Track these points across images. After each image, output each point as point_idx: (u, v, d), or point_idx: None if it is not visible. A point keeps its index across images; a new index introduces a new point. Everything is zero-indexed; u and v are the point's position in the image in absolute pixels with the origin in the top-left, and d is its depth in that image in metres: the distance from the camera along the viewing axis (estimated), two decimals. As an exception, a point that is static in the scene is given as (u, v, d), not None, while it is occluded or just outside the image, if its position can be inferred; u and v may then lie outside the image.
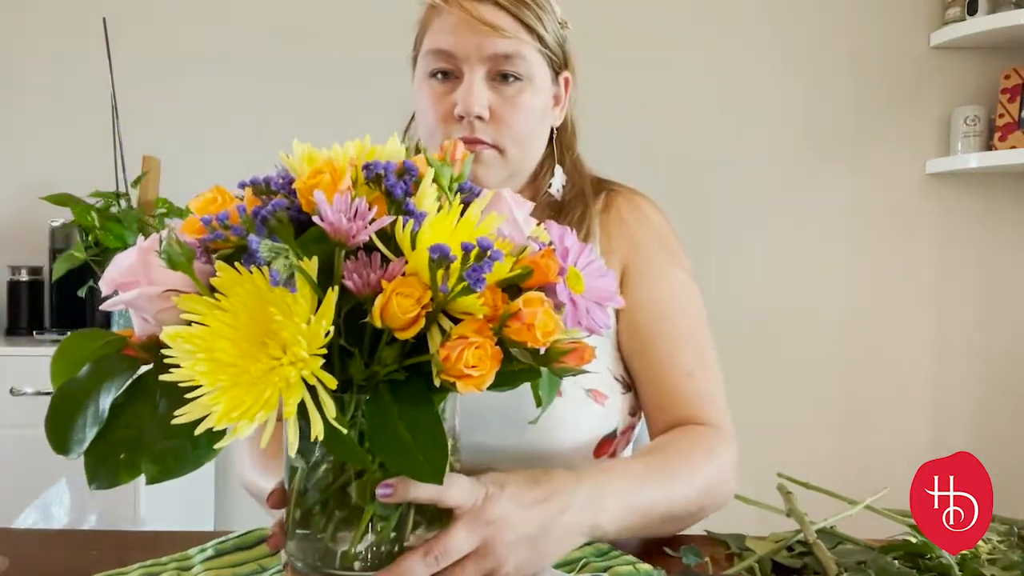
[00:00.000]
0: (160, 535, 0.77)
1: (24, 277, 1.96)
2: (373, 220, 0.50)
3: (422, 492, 0.54)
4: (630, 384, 0.90)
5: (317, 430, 0.47)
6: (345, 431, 0.49)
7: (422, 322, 0.49)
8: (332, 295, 0.48)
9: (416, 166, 0.53)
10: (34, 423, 1.87)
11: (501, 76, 0.87)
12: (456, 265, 0.48)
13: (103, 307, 0.57)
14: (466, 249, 0.48)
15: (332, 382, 0.47)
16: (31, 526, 0.99)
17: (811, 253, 2.18)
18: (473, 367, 0.49)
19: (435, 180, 0.55)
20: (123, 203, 1.82)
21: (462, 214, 0.53)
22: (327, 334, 0.47)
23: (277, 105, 2.11)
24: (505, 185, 0.89)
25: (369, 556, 0.55)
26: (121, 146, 1.86)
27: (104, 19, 1.86)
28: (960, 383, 2.19)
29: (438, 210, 0.53)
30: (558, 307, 0.52)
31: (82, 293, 1.71)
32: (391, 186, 0.51)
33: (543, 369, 0.54)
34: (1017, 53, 2.08)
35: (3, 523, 0.89)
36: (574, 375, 0.54)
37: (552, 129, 0.95)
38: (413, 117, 0.99)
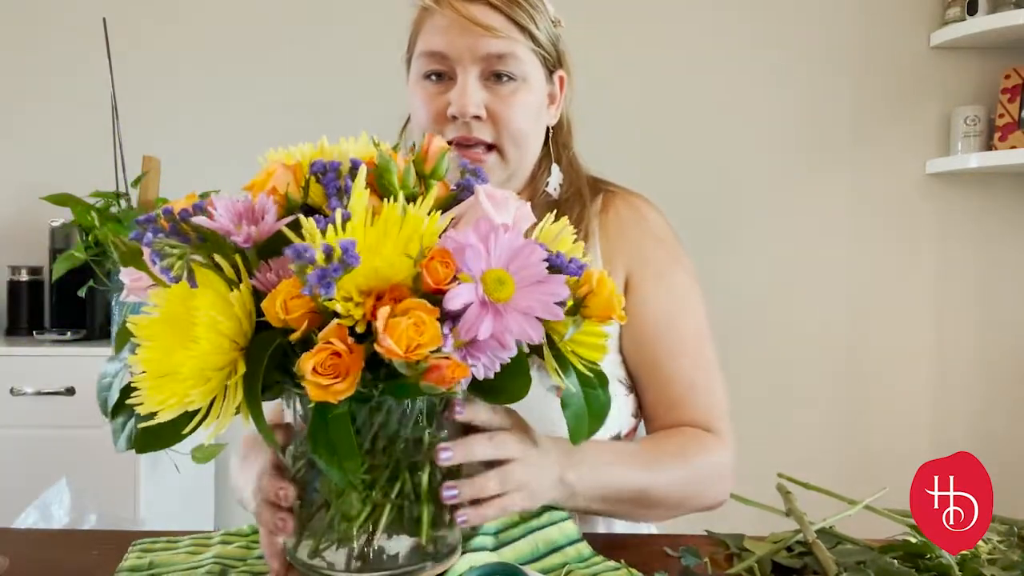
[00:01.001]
0: (160, 535, 0.77)
1: (24, 277, 1.96)
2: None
3: (480, 413, 0.62)
4: (632, 386, 0.90)
5: (222, 423, 0.49)
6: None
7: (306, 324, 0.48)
8: (238, 293, 0.49)
9: (362, 164, 0.52)
10: (34, 423, 1.87)
11: (495, 76, 0.86)
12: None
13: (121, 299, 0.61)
14: (325, 251, 0.46)
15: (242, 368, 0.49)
16: (31, 526, 0.99)
17: (811, 253, 2.18)
18: (329, 374, 0.47)
19: (384, 179, 0.53)
20: (123, 203, 1.82)
21: (446, 210, 0.53)
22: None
23: (277, 105, 2.11)
24: (507, 185, 0.90)
25: (352, 557, 0.55)
26: (121, 146, 1.86)
27: (104, 19, 1.86)
28: (960, 383, 2.19)
29: (407, 206, 0.52)
30: (451, 316, 0.48)
31: (82, 293, 1.71)
32: (325, 185, 0.51)
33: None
34: (1017, 53, 2.08)
35: (3, 523, 0.89)
36: (438, 395, 0.51)
37: (548, 128, 0.95)
38: (408, 120, 0.98)
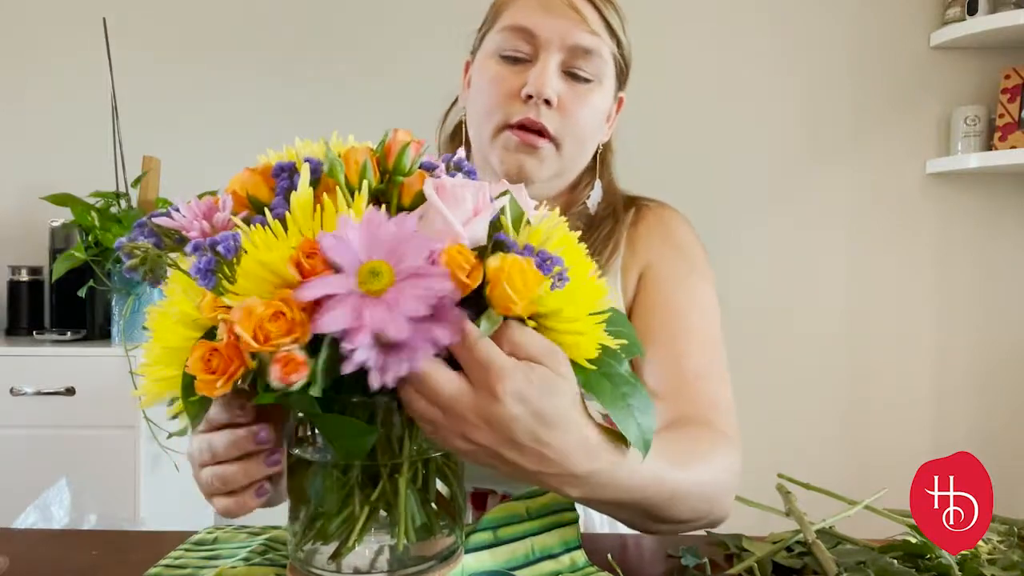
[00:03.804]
0: (160, 535, 0.77)
1: (24, 277, 1.96)
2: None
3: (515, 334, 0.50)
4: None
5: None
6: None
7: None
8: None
9: (321, 163, 0.51)
10: (34, 423, 1.87)
11: (572, 74, 0.84)
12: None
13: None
14: (210, 244, 0.46)
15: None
16: (31, 526, 0.99)
17: (811, 253, 2.18)
18: (205, 369, 0.46)
19: (331, 175, 0.51)
20: (123, 203, 1.82)
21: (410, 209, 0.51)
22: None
23: (278, 105, 2.11)
24: (551, 183, 0.89)
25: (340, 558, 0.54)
26: (121, 146, 1.86)
27: (104, 19, 1.86)
28: (960, 383, 2.19)
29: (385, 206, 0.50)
30: (307, 309, 0.45)
31: (82, 293, 1.71)
32: (279, 185, 0.51)
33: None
34: (1017, 53, 2.08)
35: (3, 523, 0.89)
36: (276, 394, 0.46)
37: (598, 145, 0.93)
38: (455, 101, 0.96)
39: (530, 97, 0.83)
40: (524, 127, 0.84)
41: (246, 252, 0.47)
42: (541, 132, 0.83)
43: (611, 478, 0.56)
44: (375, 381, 0.44)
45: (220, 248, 0.46)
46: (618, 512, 0.65)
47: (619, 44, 0.88)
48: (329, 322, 0.43)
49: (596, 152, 0.93)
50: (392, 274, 0.44)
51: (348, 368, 0.43)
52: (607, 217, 0.91)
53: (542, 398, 0.50)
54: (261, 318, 0.44)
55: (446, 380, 0.49)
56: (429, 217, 0.50)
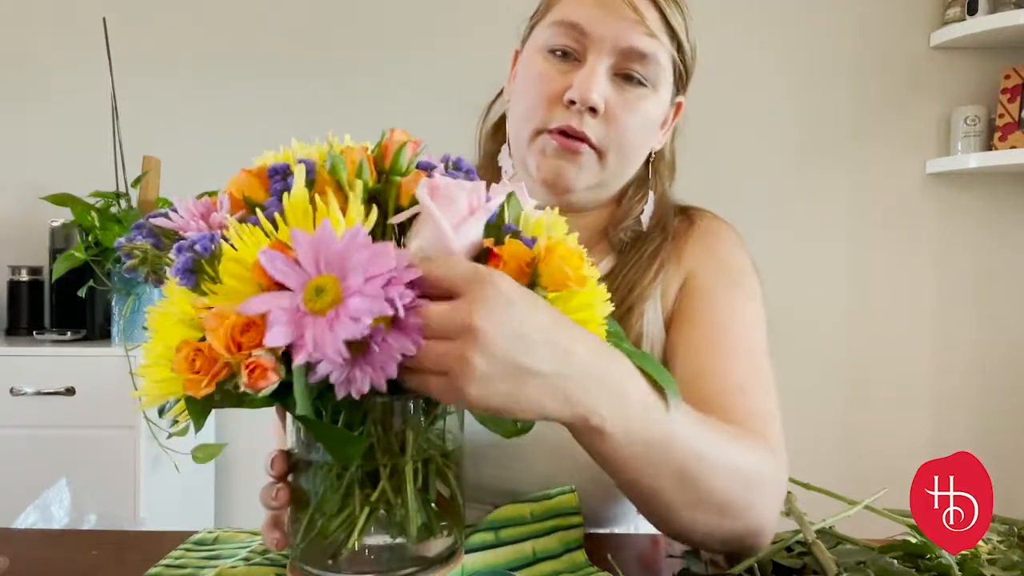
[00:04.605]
0: (160, 535, 0.77)
1: (24, 277, 1.96)
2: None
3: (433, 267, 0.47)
4: None
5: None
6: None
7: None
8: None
9: (315, 165, 0.51)
10: (34, 423, 1.87)
11: (626, 76, 0.78)
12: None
13: None
14: (190, 243, 0.46)
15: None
16: (31, 526, 0.99)
17: (811, 253, 2.18)
18: (193, 371, 0.45)
19: (333, 173, 0.51)
20: (123, 203, 1.82)
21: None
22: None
23: (278, 105, 2.11)
24: (593, 193, 0.83)
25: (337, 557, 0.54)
26: (121, 146, 1.86)
27: (104, 19, 1.86)
28: (960, 383, 2.19)
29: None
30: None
31: (82, 293, 1.71)
32: (273, 187, 0.50)
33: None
34: (1017, 53, 2.08)
35: (3, 523, 0.89)
36: (248, 403, 0.45)
37: (651, 153, 0.86)
38: (499, 94, 0.90)
39: (573, 102, 0.76)
40: (564, 133, 0.77)
41: (227, 252, 0.47)
42: (583, 139, 0.77)
43: (629, 386, 0.53)
44: (340, 393, 0.44)
45: (197, 247, 0.46)
46: (653, 476, 0.58)
47: (679, 47, 0.80)
48: (272, 337, 0.42)
49: (649, 159, 0.87)
50: (338, 291, 0.43)
51: (313, 379, 0.43)
52: (655, 233, 0.85)
53: (524, 290, 0.48)
54: (232, 327, 0.43)
55: (436, 306, 0.46)
56: (422, 220, 0.50)
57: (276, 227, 0.47)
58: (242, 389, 0.43)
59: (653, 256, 0.83)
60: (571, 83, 0.76)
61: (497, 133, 0.92)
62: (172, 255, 0.47)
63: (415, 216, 0.51)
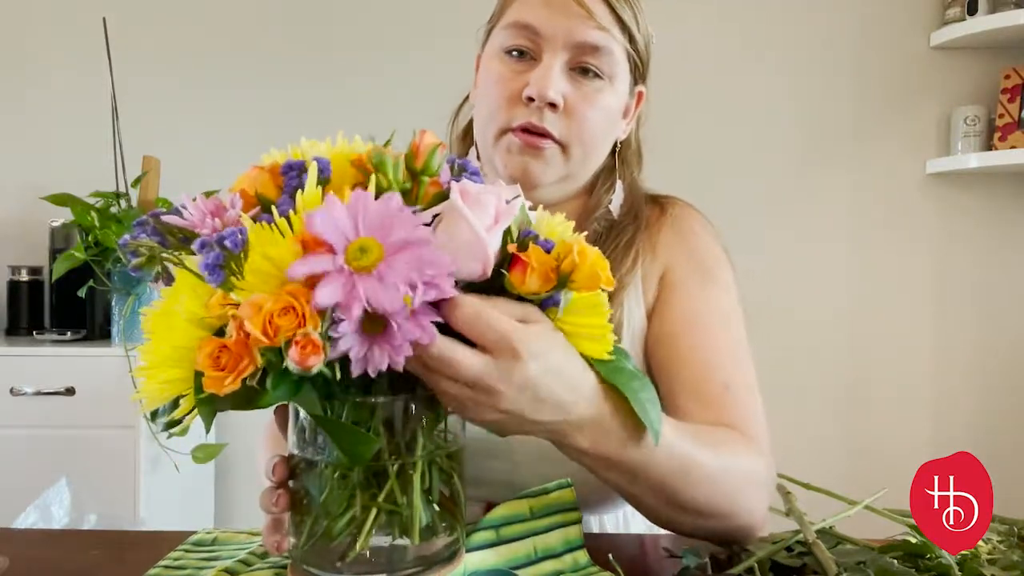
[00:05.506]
0: (160, 535, 0.77)
1: (24, 277, 1.96)
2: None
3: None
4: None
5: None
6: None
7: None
8: (215, 288, 0.48)
9: (326, 162, 0.51)
10: (34, 423, 1.87)
11: (581, 69, 0.80)
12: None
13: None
14: (217, 240, 0.46)
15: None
16: (31, 526, 0.99)
17: (811, 253, 2.18)
18: (218, 368, 0.45)
19: (379, 170, 0.51)
20: (123, 203, 1.82)
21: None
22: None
23: (278, 105, 2.11)
24: (560, 186, 0.85)
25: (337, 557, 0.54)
26: (121, 146, 1.86)
27: (104, 19, 1.86)
28: (960, 383, 2.19)
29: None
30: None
31: (82, 293, 1.71)
32: (287, 183, 0.51)
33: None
34: (1017, 53, 2.08)
35: (3, 523, 0.89)
36: (284, 391, 0.46)
37: (616, 142, 0.89)
38: (466, 99, 0.93)
39: (532, 99, 0.79)
40: (526, 131, 0.80)
41: (253, 248, 0.47)
42: (545, 134, 0.80)
43: (614, 424, 0.59)
44: (356, 370, 0.45)
45: (227, 242, 0.46)
46: (632, 486, 0.64)
47: (631, 39, 0.82)
48: (323, 297, 0.43)
49: (615, 150, 0.89)
50: (381, 250, 0.45)
51: (333, 354, 0.44)
52: (628, 222, 0.86)
53: (552, 350, 0.54)
54: (270, 313, 0.44)
55: (469, 359, 0.51)
56: (451, 222, 0.50)
57: (291, 224, 0.48)
58: (292, 368, 0.44)
59: (629, 245, 0.85)
60: (528, 81, 0.79)
61: (466, 137, 0.94)
62: (195, 251, 0.47)
63: (435, 217, 0.52)
